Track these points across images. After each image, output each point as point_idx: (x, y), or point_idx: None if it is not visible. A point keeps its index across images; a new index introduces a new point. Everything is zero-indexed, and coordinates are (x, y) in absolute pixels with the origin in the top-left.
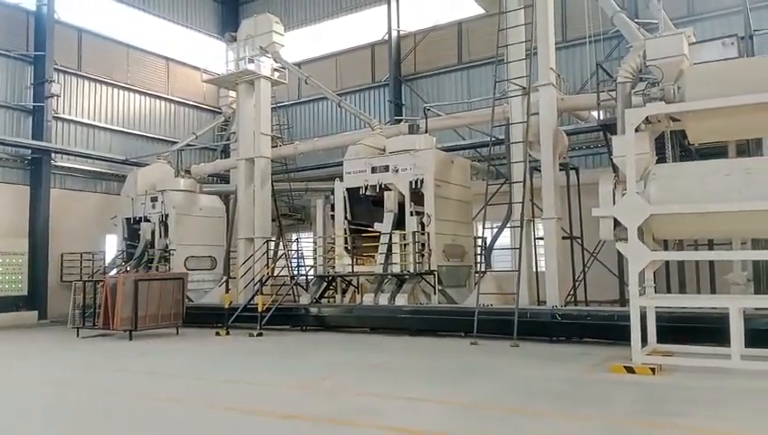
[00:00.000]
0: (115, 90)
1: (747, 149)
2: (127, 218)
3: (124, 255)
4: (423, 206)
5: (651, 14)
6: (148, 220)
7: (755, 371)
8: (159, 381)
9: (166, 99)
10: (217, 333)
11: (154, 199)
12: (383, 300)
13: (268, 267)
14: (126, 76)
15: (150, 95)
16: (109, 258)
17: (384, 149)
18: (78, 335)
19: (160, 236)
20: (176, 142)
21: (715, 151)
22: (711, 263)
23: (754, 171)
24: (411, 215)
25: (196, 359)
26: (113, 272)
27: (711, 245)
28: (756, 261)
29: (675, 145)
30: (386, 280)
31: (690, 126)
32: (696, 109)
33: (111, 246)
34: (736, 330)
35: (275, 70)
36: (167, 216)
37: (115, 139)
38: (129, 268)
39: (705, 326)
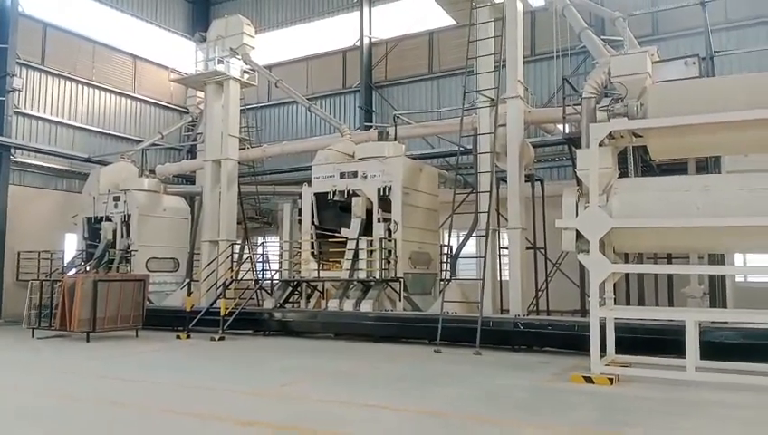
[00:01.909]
0: (80, 86)
1: (706, 166)
2: (88, 217)
3: (84, 254)
4: (391, 212)
5: (617, 31)
6: (110, 220)
7: (709, 382)
8: (114, 384)
9: (132, 97)
10: (178, 337)
11: (116, 199)
12: (348, 306)
13: (232, 271)
14: (91, 73)
15: (116, 93)
16: (68, 258)
17: (353, 155)
18: (33, 336)
19: (122, 237)
20: (141, 141)
21: (675, 167)
22: (669, 276)
23: (712, 188)
24: (379, 221)
25: (155, 362)
26: (72, 272)
27: (670, 259)
28: (712, 275)
29: (637, 160)
30: (351, 286)
31: (652, 142)
32: (657, 126)
33: (71, 245)
34: (692, 342)
35: (245, 72)
36: (129, 216)
37: (78, 136)
38: (88, 268)
39: (663, 338)
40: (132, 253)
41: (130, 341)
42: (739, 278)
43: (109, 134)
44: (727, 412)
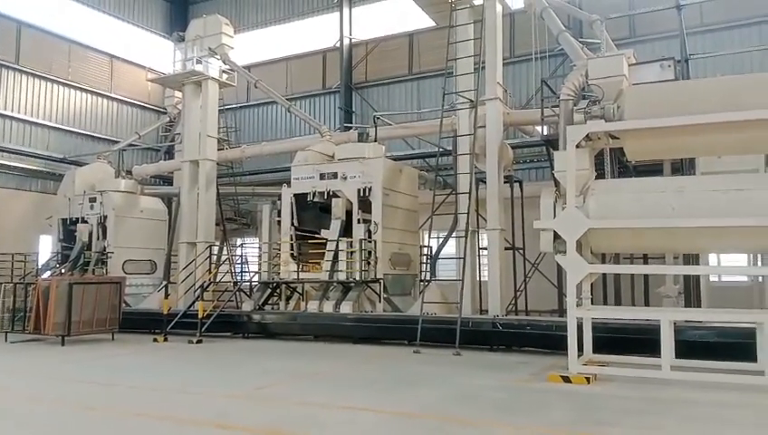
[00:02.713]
0: (55, 86)
1: (681, 167)
2: (63, 219)
3: (59, 257)
4: (370, 214)
5: (595, 34)
6: (86, 221)
7: (684, 381)
8: (88, 388)
9: (109, 97)
10: (155, 340)
11: (92, 200)
12: (328, 307)
13: (210, 273)
14: (67, 72)
15: (92, 92)
16: (42, 260)
17: (333, 156)
18: (6, 340)
19: (98, 239)
20: (118, 142)
21: (651, 169)
22: (645, 276)
23: (687, 190)
24: (359, 222)
25: (131, 366)
26: (47, 274)
27: (645, 259)
28: (687, 275)
29: (613, 162)
30: (331, 287)
31: (628, 144)
32: (633, 128)
33: (46, 247)
34: (667, 341)
35: (224, 72)
36: (105, 217)
37: (53, 136)
38: (63, 271)
39: (639, 337)
40: (108, 255)
41: (106, 344)
42: (713, 278)
43: (85, 134)
44: (701, 411)
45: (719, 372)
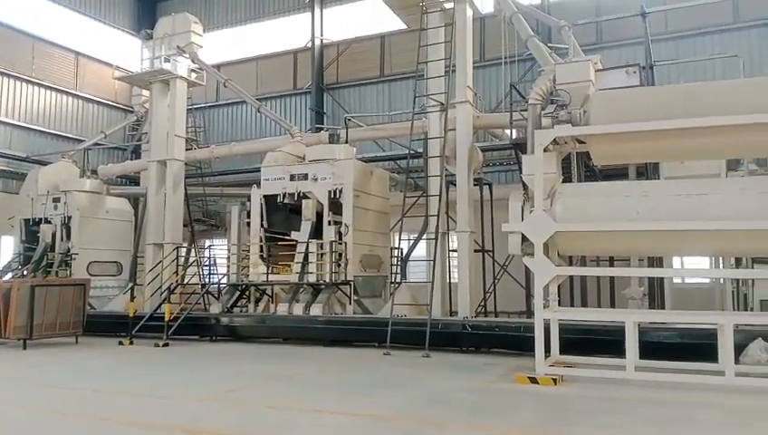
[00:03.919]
0: (18, 83)
1: (646, 172)
2: (25, 219)
3: (21, 258)
4: (341, 215)
5: (563, 39)
6: (49, 222)
7: (648, 381)
8: (51, 392)
9: (74, 95)
10: (120, 343)
11: (56, 200)
12: (298, 310)
13: (177, 275)
14: (31, 69)
15: (57, 90)
16: (3, 262)
17: (304, 157)
18: None
19: (62, 240)
20: (83, 141)
21: (617, 173)
22: (611, 278)
23: (650, 194)
24: (329, 224)
25: (96, 370)
26: (8, 276)
27: (611, 261)
28: (651, 277)
29: (580, 166)
30: (301, 289)
31: (594, 148)
32: (599, 133)
33: (7, 248)
34: (631, 342)
35: (193, 71)
36: (69, 218)
37: (16, 134)
38: (25, 272)
39: (605, 338)
40: (72, 256)
41: (70, 348)
42: (677, 280)
43: (49, 133)
44: (664, 411)
45: (682, 372)
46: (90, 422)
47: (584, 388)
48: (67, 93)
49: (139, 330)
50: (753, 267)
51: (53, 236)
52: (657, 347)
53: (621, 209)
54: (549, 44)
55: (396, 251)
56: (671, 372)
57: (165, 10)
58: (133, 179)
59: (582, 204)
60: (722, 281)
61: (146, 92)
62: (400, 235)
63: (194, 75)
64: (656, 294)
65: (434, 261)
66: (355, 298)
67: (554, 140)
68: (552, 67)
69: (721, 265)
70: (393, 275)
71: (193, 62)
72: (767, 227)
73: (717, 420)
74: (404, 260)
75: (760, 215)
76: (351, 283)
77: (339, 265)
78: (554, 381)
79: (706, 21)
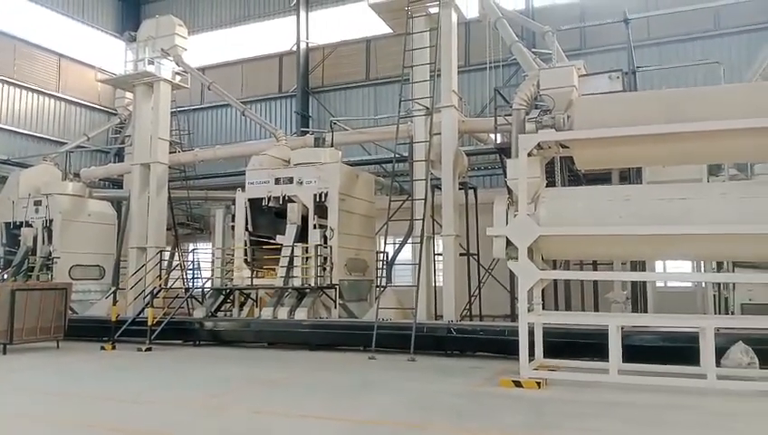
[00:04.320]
0: None
1: (629, 176)
2: (6, 223)
3: (1, 262)
4: (327, 219)
5: (547, 45)
6: (30, 225)
7: (631, 384)
8: (31, 398)
9: (56, 97)
10: (102, 348)
11: (38, 203)
12: (282, 314)
13: (161, 278)
14: (12, 71)
15: (39, 92)
16: None
17: (289, 161)
18: None
19: (43, 243)
20: (65, 143)
21: (600, 178)
22: (595, 282)
23: (633, 199)
24: (314, 228)
25: (78, 375)
26: None
27: (595, 265)
28: (634, 281)
29: (564, 170)
30: (286, 293)
31: (577, 153)
32: (582, 138)
33: None
34: (614, 346)
35: (177, 73)
36: (51, 221)
37: None
38: (6, 276)
39: (588, 342)
40: (54, 260)
41: (51, 352)
42: (659, 284)
43: (30, 135)
44: (647, 413)
45: (664, 375)
46: (71, 429)
47: (568, 391)
48: (49, 95)
49: (121, 335)
50: (734, 271)
51: (35, 239)
52: (640, 350)
53: (604, 214)
54: (533, 50)
55: (381, 255)
56: (654, 375)
57: (149, 12)
58: (116, 182)
59: (566, 208)
60: (703, 285)
61: (129, 95)
62: (386, 238)
63: (178, 78)
64: (638, 297)
65: (419, 265)
66: (340, 302)
67: (538, 144)
68: (535, 72)
69: (703, 270)
70: (378, 279)
71: (177, 64)
72: (746, 231)
73: (697, 422)
74: (389, 264)
75: (740, 219)
76: (337, 286)
77: (324, 269)
78: (538, 384)
79: (688, 28)
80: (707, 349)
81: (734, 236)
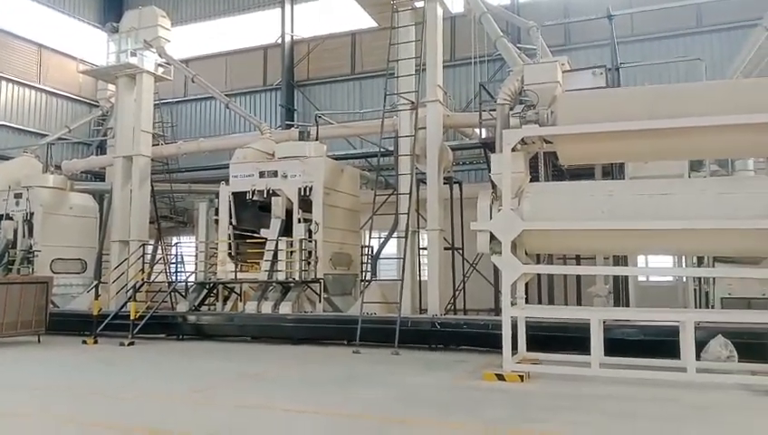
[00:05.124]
0: None
1: (611, 172)
2: None
3: None
4: (311, 213)
5: (532, 40)
6: (11, 218)
7: (612, 377)
8: (12, 392)
9: (37, 88)
10: (84, 342)
11: (18, 196)
12: (267, 308)
13: (143, 272)
14: None
15: (19, 83)
16: None
17: (273, 155)
18: None
19: (24, 236)
20: (46, 135)
21: (583, 173)
22: (578, 276)
23: (615, 193)
24: (299, 222)
25: (59, 369)
26: None
27: (578, 260)
28: (616, 275)
29: (548, 165)
30: (270, 288)
31: (560, 148)
32: (565, 133)
33: None
34: (596, 339)
35: (160, 65)
36: (32, 214)
37: None
38: None
39: (571, 335)
40: (35, 253)
41: (32, 347)
42: (641, 278)
43: (10, 127)
44: (627, 406)
45: (645, 368)
46: (51, 423)
47: (550, 384)
48: (30, 87)
49: (103, 329)
50: (714, 266)
51: (15, 232)
52: (622, 344)
53: (587, 208)
54: (518, 45)
55: (366, 249)
56: (635, 368)
57: (132, 3)
58: (98, 175)
59: (549, 203)
60: (684, 279)
61: (111, 87)
62: (371, 233)
63: (161, 70)
64: (620, 292)
65: (404, 259)
66: (325, 296)
67: (522, 139)
68: (520, 68)
69: (683, 264)
70: (363, 273)
71: (160, 56)
72: (725, 226)
73: (677, 414)
74: (374, 258)
75: (719, 215)
76: (321, 281)
77: (308, 263)
78: (521, 377)
79: (670, 25)
80: (687, 342)
81: (713, 231)
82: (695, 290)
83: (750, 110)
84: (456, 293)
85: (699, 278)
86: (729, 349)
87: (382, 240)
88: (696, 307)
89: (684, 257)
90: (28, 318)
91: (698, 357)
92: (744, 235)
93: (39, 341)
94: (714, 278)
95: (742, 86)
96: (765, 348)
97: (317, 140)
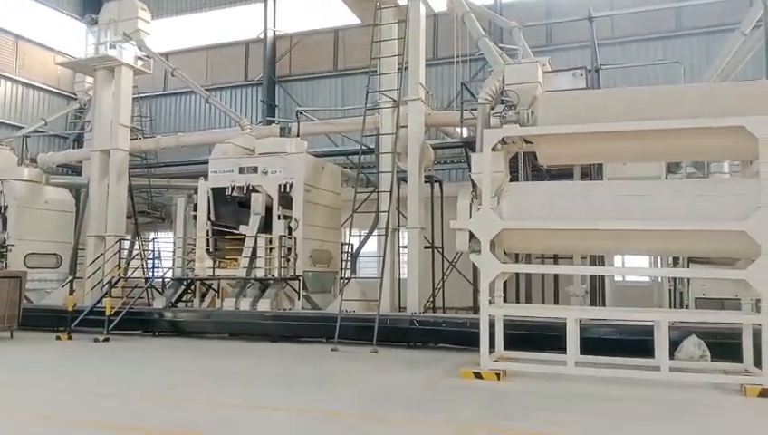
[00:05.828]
0: None
1: (590, 172)
2: None
3: None
4: (291, 210)
5: (514, 40)
6: None
7: (587, 376)
8: None
9: (13, 80)
10: (58, 338)
11: None
12: (245, 305)
13: (120, 268)
14: None
15: None
16: None
17: (253, 150)
18: None
19: None
20: (22, 127)
21: (562, 173)
22: (555, 276)
23: (593, 194)
24: (279, 218)
25: (32, 365)
26: None
27: (556, 259)
28: (593, 275)
29: (527, 165)
30: (249, 284)
31: (540, 149)
32: (544, 133)
33: None
34: (572, 338)
35: (139, 58)
36: (6, 208)
37: None
38: None
39: (548, 334)
40: (9, 248)
41: (5, 343)
42: (618, 278)
43: None
44: (602, 405)
45: (620, 367)
46: (23, 422)
47: (526, 383)
48: (5, 78)
49: (78, 324)
50: (688, 267)
51: None
52: (598, 343)
53: (565, 209)
54: (500, 45)
55: (346, 246)
56: (610, 367)
57: None
58: (75, 169)
59: (528, 203)
60: (660, 280)
61: (90, 79)
62: (351, 230)
63: (140, 63)
64: (597, 291)
65: (384, 257)
66: (304, 293)
67: (502, 139)
68: (501, 68)
69: (659, 265)
70: (343, 271)
71: (140, 49)
72: (700, 227)
73: (650, 413)
74: (354, 256)
75: (693, 216)
76: (301, 278)
77: (288, 260)
78: (498, 376)
79: (651, 28)
80: (661, 342)
81: (689, 232)
82: (669, 290)
83: (725, 113)
84: (436, 291)
85: (674, 279)
86: (702, 348)
87: (362, 238)
88: (670, 307)
89: (659, 258)
90: (1, 313)
91: (672, 356)
92: (719, 236)
93: (12, 336)
94: (688, 279)
95: (718, 90)
96: (737, 348)
97: (298, 136)
